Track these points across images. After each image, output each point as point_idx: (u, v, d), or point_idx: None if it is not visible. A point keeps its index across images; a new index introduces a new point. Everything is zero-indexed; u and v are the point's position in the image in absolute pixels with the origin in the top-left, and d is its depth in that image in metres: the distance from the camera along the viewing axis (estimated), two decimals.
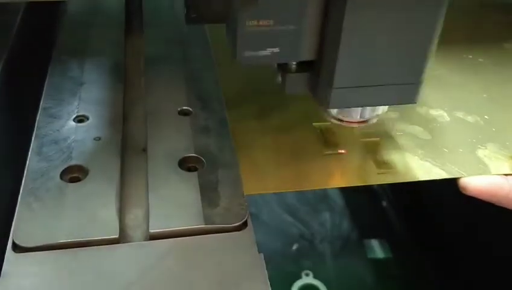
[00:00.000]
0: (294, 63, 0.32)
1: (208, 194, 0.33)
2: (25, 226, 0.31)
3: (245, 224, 0.32)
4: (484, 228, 0.59)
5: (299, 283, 0.73)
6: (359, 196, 0.85)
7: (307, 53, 0.31)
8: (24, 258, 0.29)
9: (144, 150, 0.37)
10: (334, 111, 0.36)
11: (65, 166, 0.35)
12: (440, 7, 0.29)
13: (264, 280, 0.29)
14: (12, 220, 0.31)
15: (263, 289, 0.29)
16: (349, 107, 0.35)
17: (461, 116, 0.42)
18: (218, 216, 0.32)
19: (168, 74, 0.43)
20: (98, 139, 0.37)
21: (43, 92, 0.41)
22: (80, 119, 0.38)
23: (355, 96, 0.32)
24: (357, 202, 0.84)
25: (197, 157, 0.36)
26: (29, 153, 0.36)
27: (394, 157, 0.38)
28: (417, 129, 0.41)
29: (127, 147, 0.37)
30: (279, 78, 0.33)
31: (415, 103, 0.33)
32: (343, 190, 0.84)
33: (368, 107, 0.35)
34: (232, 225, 0.32)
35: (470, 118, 0.42)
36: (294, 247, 0.78)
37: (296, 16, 0.29)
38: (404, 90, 0.32)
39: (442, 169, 0.37)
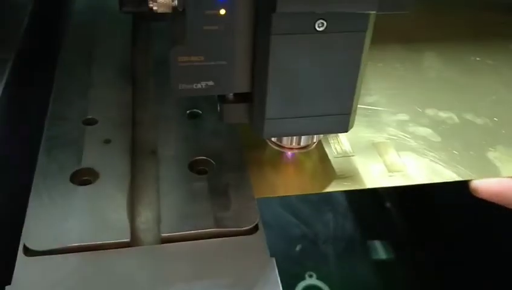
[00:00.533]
0: (231, 94, 0.33)
1: (219, 197, 0.33)
2: (35, 229, 0.31)
3: (256, 227, 0.32)
4: (488, 230, 0.59)
5: (302, 284, 0.72)
6: (362, 197, 0.85)
7: (240, 86, 0.32)
8: (35, 261, 0.29)
9: (154, 152, 0.37)
10: (273, 138, 0.37)
11: (75, 169, 0.34)
12: (361, 44, 0.30)
13: (276, 284, 0.29)
14: (23, 224, 0.31)
15: None
16: (283, 136, 0.36)
17: (470, 118, 0.42)
18: (229, 220, 0.32)
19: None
20: (108, 141, 0.37)
21: (52, 94, 0.41)
22: (89, 121, 0.38)
23: (288, 126, 0.33)
24: (361, 203, 0.84)
25: (206, 159, 0.36)
26: (39, 155, 0.36)
27: (405, 159, 0.38)
28: (427, 131, 0.41)
29: (136, 149, 0.37)
30: (218, 108, 0.34)
31: (347, 132, 0.34)
32: (347, 191, 0.84)
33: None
34: (244, 228, 0.32)
35: (479, 120, 0.42)
36: (298, 248, 0.78)
37: (226, 52, 0.30)
38: (335, 120, 0.33)
39: (454, 172, 0.37)
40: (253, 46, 0.30)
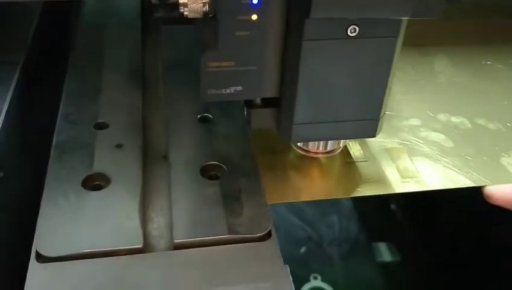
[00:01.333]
0: (259, 98, 0.33)
1: (231, 203, 0.33)
2: (47, 235, 0.30)
3: (269, 234, 0.32)
4: (494, 233, 0.59)
5: (307, 286, 0.72)
6: (367, 200, 0.85)
7: (268, 91, 0.32)
8: (47, 268, 0.29)
9: (165, 157, 0.37)
10: (299, 143, 0.37)
11: (87, 174, 0.34)
12: (392, 50, 0.30)
13: None
14: (33, 229, 0.31)
15: None
16: (310, 141, 0.36)
17: (483, 123, 0.42)
18: (242, 226, 0.32)
19: (187, 79, 0.43)
20: (119, 146, 0.36)
21: (62, 98, 0.40)
22: (100, 126, 0.38)
23: (315, 131, 0.33)
24: (365, 204, 0.84)
25: (218, 165, 0.36)
26: (50, 160, 0.35)
27: (418, 165, 0.38)
28: (440, 137, 0.40)
29: (148, 154, 0.37)
30: (246, 113, 0.34)
31: (375, 136, 0.34)
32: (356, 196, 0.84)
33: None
34: (256, 235, 0.31)
35: (491, 125, 0.42)
36: (302, 250, 0.78)
37: (255, 57, 0.30)
38: (363, 125, 0.33)
39: (467, 178, 0.37)
40: (283, 51, 0.30)
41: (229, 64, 0.30)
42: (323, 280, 0.73)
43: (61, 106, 0.40)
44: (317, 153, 0.37)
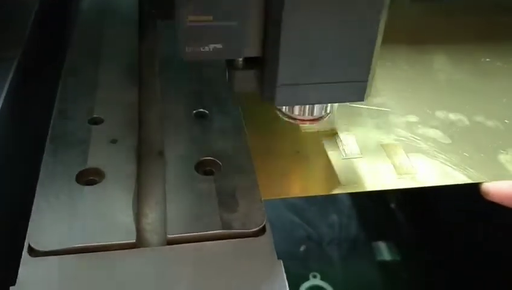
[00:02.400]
0: (240, 60, 0.31)
1: (226, 198, 0.33)
2: (40, 229, 0.30)
3: (263, 230, 0.32)
4: (494, 232, 0.59)
5: (306, 285, 0.72)
6: (367, 198, 0.84)
7: (250, 50, 0.30)
8: (40, 262, 0.29)
9: (160, 153, 0.37)
10: (284, 109, 0.36)
11: (81, 169, 0.34)
12: (380, 6, 0.29)
13: (284, 287, 0.29)
14: (27, 224, 0.31)
15: None
16: (296, 105, 0.34)
17: (481, 120, 0.42)
18: (236, 221, 0.31)
19: (183, 75, 0.43)
20: (114, 141, 0.36)
21: (57, 94, 0.40)
22: (95, 121, 0.38)
23: (300, 94, 0.31)
24: (365, 203, 0.84)
25: (213, 160, 0.35)
26: (44, 155, 0.35)
27: (414, 161, 0.37)
28: (437, 133, 0.40)
29: (143, 150, 0.37)
30: (227, 76, 0.32)
31: (363, 100, 0.32)
32: (351, 191, 0.84)
33: (317, 105, 0.35)
34: (251, 230, 0.31)
35: (490, 123, 0.41)
36: (302, 248, 0.78)
37: (237, 11, 0.29)
38: (352, 87, 0.31)
39: (465, 174, 0.36)
40: (266, 5, 0.29)
41: (208, 18, 0.28)
42: (322, 279, 0.73)
43: (56, 101, 0.40)
44: (303, 120, 0.36)
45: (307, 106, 0.35)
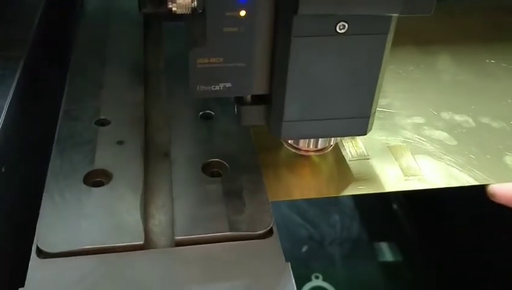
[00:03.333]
0: (248, 96, 0.33)
1: (233, 200, 0.33)
2: (49, 231, 0.30)
3: (271, 231, 0.32)
4: (497, 233, 0.59)
5: (308, 286, 0.72)
6: (369, 199, 0.84)
7: (258, 87, 0.32)
8: (48, 264, 0.29)
9: (167, 154, 0.37)
10: (290, 141, 0.37)
11: (88, 170, 0.34)
12: (382, 47, 0.30)
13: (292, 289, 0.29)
14: (35, 224, 0.31)
15: None
16: (300, 139, 0.36)
17: (486, 121, 0.42)
18: (243, 223, 0.32)
19: (188, 76, 0.43)
20: (120, 143, 0.36)
21: (64, 95, 0.40)
22: (102, 122, 0.38)
23: (306, 128, 0.33)
24: (367, 204, 0.84)
25: (220, 162, 0.35)
26: (51, 156, 0.35)
27: (421, 163, 0.37)
28: (443, 135, 0.40)
29: (149, 151, 0.37)
30: (235, 110, 0.34)
31: (365, 134, 0.34)
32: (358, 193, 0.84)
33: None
34: (258, 232, 0.31)
35: (495, 124, 0.41)
36: (304, 249, 0.78)
37: (244, 53, 0.30)
38: (354, 123, 0.33)
39: (471, 176, 0.36)
40: (273, 48, 0.30)
41: (218, 60, 0.30)
42: (324, 280, 0.73)
43: (63, 102, 0.40)
44: (308, 151, 0.37)
45: (312, 139, 0.36)
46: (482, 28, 0.54)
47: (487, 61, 0.49)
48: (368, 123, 0.33)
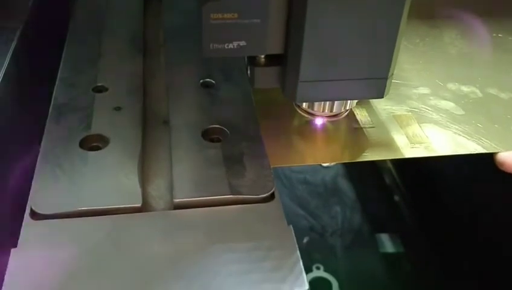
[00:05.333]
0: (262, 56, 0.32)
1: (233, 165, 0.32)
2: (43, 193, 0.29)
3: (272, 196, 0.31)
4: (497, 225, 0.58)
5: (309, 276, 0.71)
6: (371, 190, 0.84)
7: (273, 47, 0.31)
8: (42, 225, 0.28)
9: (166, 121, 0.36)
10: (304, 105, 0.36)
11: (85, 135, 0.33)
12: (401, 4, 0.29)
13: (295, 252, 0.28)
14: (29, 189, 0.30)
15: (294, 261, 0.27)
16: (316, 101, 0.35)
17: (494, 92, 0.41)
18: (244, 187, 0.31)
19: (188, 45, 0.42)
20: (118, 109, 0.35)
21: (61, 62, 0.39)
22: (99, 89, 0.37)
23: (321, 91, 0.32)
24: (369, 195, 0.83)
25: (220, 128, 0.34)
26: (47, 121, 0.34)
27: (427, 131, 0.36)
28: (449, 105, 0.39)
29: (148, 118, 0.36)
30: (248, 72, 0.33)
31: (383, 97, 0.33)
32: (355, 184, 0.83)
33: (337, 102, 0.35)
34: (260, 196, 0.30)
35: (503, 95, 0.41)
36: (305, 240, 0.77)
37: (260, 9, 0.29)
38: (371, 84, 0.32)
39: (478, 144, 0.36)
40: (289, 4, 0.29)
41: (233, 16, 0.28)
42: (325, 270, 0.72)
43: (59, 69, 0.39)
44: (322, 116, 0.36)
45: (327, 102, 0.35)
46: (488, 2, 0.53)
47: (494, 35, 0.48)
48: (385, 85, 0.32)
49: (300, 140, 0.36)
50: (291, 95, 0.32)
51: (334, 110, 0.35)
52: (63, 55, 0.40)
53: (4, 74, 0.36)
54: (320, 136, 0.36)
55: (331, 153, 0.35)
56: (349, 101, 0.35)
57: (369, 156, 0.34)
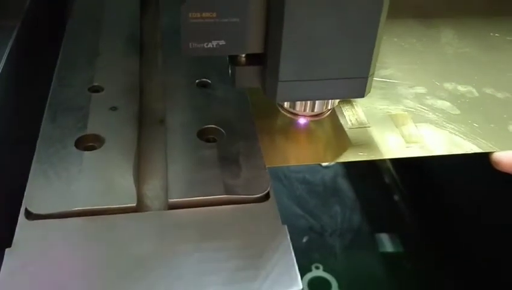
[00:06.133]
0: (243, 56, 0.32)
1: (229, 165, 0.32)
2: (38, 193, 0.29)
3: (267, 196, 0.31)
4: (497, 225, 0.58)
5: (308, 276, 0.71)
6: (370, 190, 0.84)
7: (253, 46, 0.30)
8: (37, 225, 0.28)
9: (161, 121, 0.36)
10: (286, 104, 0.36)
11: (80, 134, 0.33)
12: (381, 3, 0.29)
13: (289, 251, 0.28)
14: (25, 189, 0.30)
15: (289, 260, 0.27)
16: (297, 101, 0.35)
17: (490, 92, 0.41)
18: (239, 187, 0.31)
19: None
20: (114, 109, 0.35)
21: (58, 61, 0.39)
22: (95, 89, 0.37)
23: (302, 90, 0.31)
24: (368, 195, 0.83)
25: (216, 128, 0.35)
26: (43, 120, 0.34)
27: (423, 131, 0.36)
28: (445, 104, 0.39)
29: (144, 118, 0.36)
30: (230, 72, 0.32)
31: (363, 97, 0.32)
32: (354, 183, 0.83)
33: (318, 101, 0.35)
34: (255, 195, 0.30)
35: (499, 95, 0.41)
36: (304, 240, 0.77)
37: (239, 8, 0.29)
38: (352, 84, 0.32)
39: (474, 144, 0.35)
40: (268, 3, 0.29)
41: (211, 15, 0.28)
42: (325, 270, 0.72)
43: (56, 69, 0.39)
44: (304, 115, 0.36)
45: (308, 102, 0.35)
46: (485, 1, 0.53)
47: (491, 34, 0.48)
48: (366, 85, 0.32)
49: (295, 140, 0.36)
50: (271, 94, 0.31)
51: (316, 109, 0.35)
52: (60, 55, 0.40)
53: (0, 72, 0.37)
54: (313, 137, 0.36)
55: (324, 153, 0.35)
56: (330, 101, 0.35)
57: (365, 155, 0.34)
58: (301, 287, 0.26)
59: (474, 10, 0.51)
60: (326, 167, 0.85)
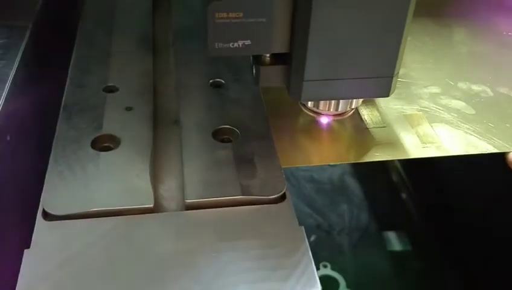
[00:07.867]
0: (267, 55, 0.32)
1: (244, 165, 0.32)
2: (55, 194, 0.29)
3: (283, 197, 0.31)
4: (506, 223, 0.58)
5: (316, 275, 0.71)
6: (378, 188, 0.84)
7: (278, 45, 0.31)
8: (54, 226, 0.28)
9: (176, 122, 0.36)
10: (309, 103, 0.36)
11: (96, 135, 0.33)
12: (408, 2, 0.29)
13: (307, 253, 0.28)
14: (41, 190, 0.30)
15: (306, 261, 0.27)
16: (321, 100, 0.35)
17: (505, 92, 0.40)
18: (255, 188, 0.31)
19: (198, 44, 0.42)
20: (129, 109, 0.35)
21: (71, 62, 0.39)
22: (110, 89, 0.37)
23: (327, 89, 0.31)
24: (376, 193, 0.83)
25: (230, 128, 0.34)
26: (58, 121, 0.34)
27: (438, 131, 0.36)
28: (460, 104, 0.39)
29: (158, 118, 0.36)
30: (254, 71, 0.32)
31: (388, 96, 0.32)
32: (362, 181, 0.83)
33: (343, 100, 0.35)
34: (271, 196, 0.30)
35: None
36: (312, 238, 0.77)
37: (265, 8, 0.29)
38: (377, 83, 0.32)
39: (490, 143, 0.35)
40: (294, 3, 0.29)
41: (238, 15, 0.28)
42: (333, 269, 0.72)
43: (70, 69, 0.39)
44: (328, 114, 0.36)
45: (332, 101, 0.35)
46: (499, 0, 0.52)
47: (504, 33, 0.47)
48: (391, 84, 0.31)
49: (310, 140, 0.36)
50: (296, 94, 0.32)
51: (340, 109, 0.35)
52: (73, 55, 0.40)
53: (14, 73, 0.37)
54: (331, 137, 0.36)
55: (339, 153, 0.35)
56: (354, 100, 0.35)
57: (380, 156, 0.34)
58: (320, 288, 0.26)
59: (487, 9, 0.51)
60: (333, 165, 0.85)
